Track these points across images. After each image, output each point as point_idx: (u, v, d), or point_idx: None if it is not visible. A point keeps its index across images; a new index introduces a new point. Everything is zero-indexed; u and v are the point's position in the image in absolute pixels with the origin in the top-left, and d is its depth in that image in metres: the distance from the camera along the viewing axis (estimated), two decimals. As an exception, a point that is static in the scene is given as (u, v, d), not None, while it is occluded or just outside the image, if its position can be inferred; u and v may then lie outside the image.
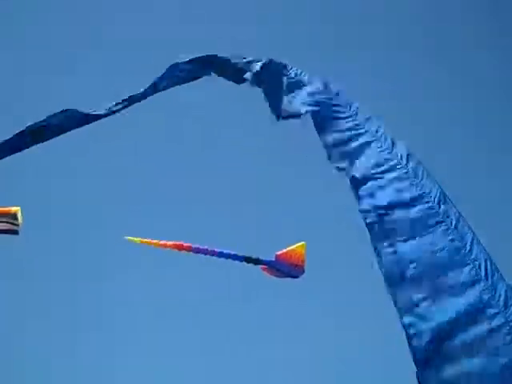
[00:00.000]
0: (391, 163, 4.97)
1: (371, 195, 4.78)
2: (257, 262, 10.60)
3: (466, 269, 4.31)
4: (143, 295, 14.21)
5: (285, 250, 10.49)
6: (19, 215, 10.34)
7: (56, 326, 13.94)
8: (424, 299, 4.27)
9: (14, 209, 10.37)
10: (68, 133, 14.46)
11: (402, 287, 4.37)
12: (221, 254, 10.60)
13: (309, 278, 10.77)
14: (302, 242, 10.60)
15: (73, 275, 14.47)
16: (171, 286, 14.17)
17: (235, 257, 10.48)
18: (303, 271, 10.47)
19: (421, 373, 4.11)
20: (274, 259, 10.56)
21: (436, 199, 4.62)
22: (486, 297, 4.20)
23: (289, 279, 10.73)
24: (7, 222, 9.98)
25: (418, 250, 4.45)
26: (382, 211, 4.65)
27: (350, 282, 13.90)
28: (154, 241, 10.46)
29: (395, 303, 4.35)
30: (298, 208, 14.24)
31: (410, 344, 4.21)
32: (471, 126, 16.05)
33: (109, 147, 15.42)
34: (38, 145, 13.98)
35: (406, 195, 4.75)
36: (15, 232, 10.47)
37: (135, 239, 10.55)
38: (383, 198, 4.70)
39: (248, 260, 10.55)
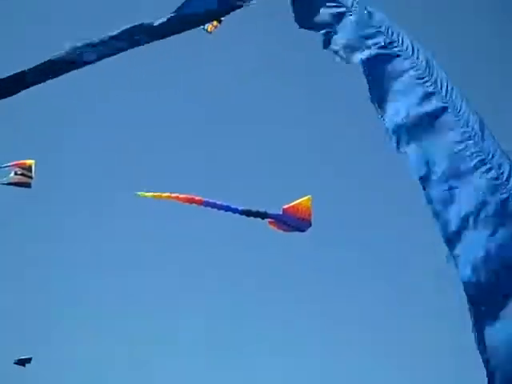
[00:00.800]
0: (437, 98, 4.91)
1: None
2: (264, 215, 10.80)
3: (503, 196, 4.39)
4: (153, 250, 14.43)
5: (291, 204, 10.65)
6: (33, 168, 10.66)
7: (64, 278, 14.19)
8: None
9: (28, 162, 10.69)
10: (81, 90, 14.64)
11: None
12: (229, 208, 10.83)
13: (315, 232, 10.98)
14: (308, 196, 10.80)
15: (83, 230, 14.70)
16: (180, 238, 14.40)
17: (243, 211, 10.69)
18: (310, 224, 10.64)
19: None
20: (281, 213, 10.76)
21: (475, 130, 4.60)
22: None
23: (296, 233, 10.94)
24: (22, 175, 10.29)
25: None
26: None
27: (356, 238, 14.08)
28: (166, 194, 10.70)
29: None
30: (304, 162, 14.36)
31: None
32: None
33: (119, 106, 15.57)
34: (54, 101, 14.20)
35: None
36: (28, 185, 10.78)
37: (147, 194, 10.79)
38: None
39: (255, 214, 10.74)
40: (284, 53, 14.66)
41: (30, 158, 10.51)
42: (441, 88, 4.74)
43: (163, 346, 13.61)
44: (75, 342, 13.55)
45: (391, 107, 4.85)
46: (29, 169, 10.30)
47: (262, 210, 10.70)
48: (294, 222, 10.72)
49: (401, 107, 4.81)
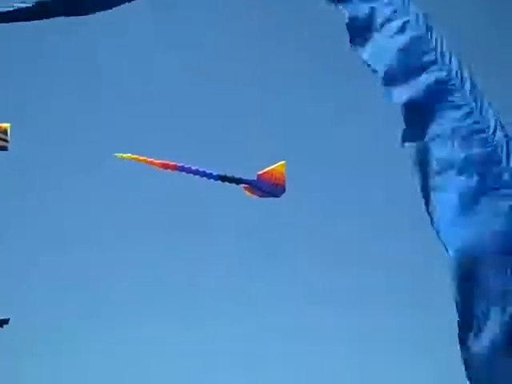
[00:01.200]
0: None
1: None
2: (239, 181, 10.95)
3: (488, 150, 4.40)
4: (132, 212, 14.44)
5: (266, 170, 10.82)
6: (9, 131, 10.69)
7: (43, 241, 14.21)
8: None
9: (4, 125, 10.69)
10: (57, 50, 14.53)
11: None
12: (204, 174, 10.96)
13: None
14: (282, 162, 10.96)
15: (61, 192, 14.69)
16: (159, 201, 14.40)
17: (218, 176, 10.82)
18: (284, 190, 10.84)
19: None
20: (255, 178, 10.92)
21: (461, 83, 4.58)
22: (506, 178, 4.31)
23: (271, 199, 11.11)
24: (-3, 138, 10.32)
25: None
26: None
27: (330, 203, 14.19)
28: (143, 157, 10.81)
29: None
30: (279, 127, 14.39)
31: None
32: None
33: (96, 66, 15.48)
34: (30, 63, 14.06)
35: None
36: (4, 148, 10.81)
37: (124, 155, 10.89)
38: None
39: (230, 179, 10.89)
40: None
41: (5, 122, 10.53)
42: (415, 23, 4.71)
43: (150, 308, 13.73)
44: (56, 304, 13.67)
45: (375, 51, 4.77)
46: (4, 132, 10.30)
47: (237, 175, 10.86)
48: (268, 188, 10.91)
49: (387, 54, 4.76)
